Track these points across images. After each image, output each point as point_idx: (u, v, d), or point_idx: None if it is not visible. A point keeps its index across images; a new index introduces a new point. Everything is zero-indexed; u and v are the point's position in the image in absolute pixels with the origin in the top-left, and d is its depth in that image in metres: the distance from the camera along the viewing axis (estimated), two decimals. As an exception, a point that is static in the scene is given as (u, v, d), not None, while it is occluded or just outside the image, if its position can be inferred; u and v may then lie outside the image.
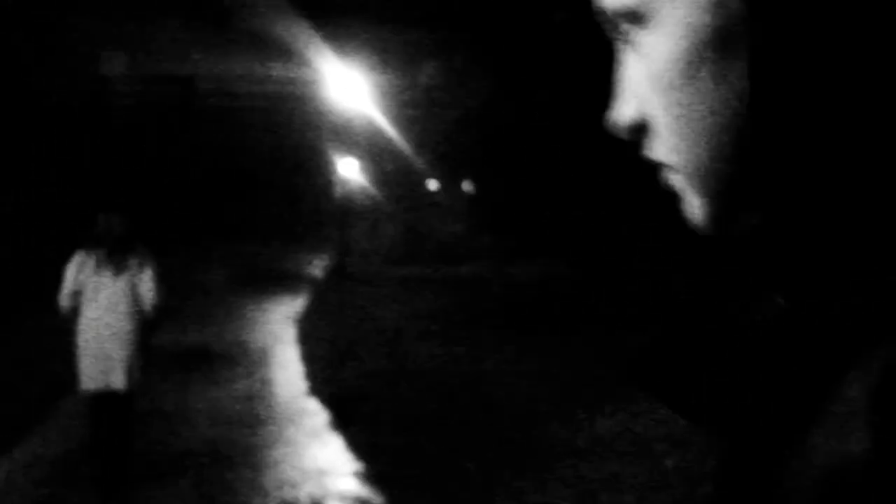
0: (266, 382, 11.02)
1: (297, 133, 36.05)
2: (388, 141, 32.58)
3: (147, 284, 6.71)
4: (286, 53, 31.23)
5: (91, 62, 28.97)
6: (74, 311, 6.65)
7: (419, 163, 34.40)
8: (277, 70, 32.43)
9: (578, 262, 22.46)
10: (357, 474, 7.12)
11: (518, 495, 6.36)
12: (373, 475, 7.06)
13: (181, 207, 25.87)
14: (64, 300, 6.62)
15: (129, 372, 6.61)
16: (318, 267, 29.71)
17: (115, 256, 6.68)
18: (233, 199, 35.85)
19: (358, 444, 7.95)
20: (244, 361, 12.39)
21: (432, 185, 38.09)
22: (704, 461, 7.00)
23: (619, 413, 8.72)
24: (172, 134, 30.12)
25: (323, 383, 10.72)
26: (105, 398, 6.60)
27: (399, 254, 32.58)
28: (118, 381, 6.55)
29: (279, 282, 24.29)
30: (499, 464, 7.17)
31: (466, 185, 38.11)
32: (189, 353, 8.74)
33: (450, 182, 37.71)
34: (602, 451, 7.50)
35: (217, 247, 30.77)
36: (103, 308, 6.58)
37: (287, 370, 11.80)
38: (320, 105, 32.34)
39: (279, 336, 14.85)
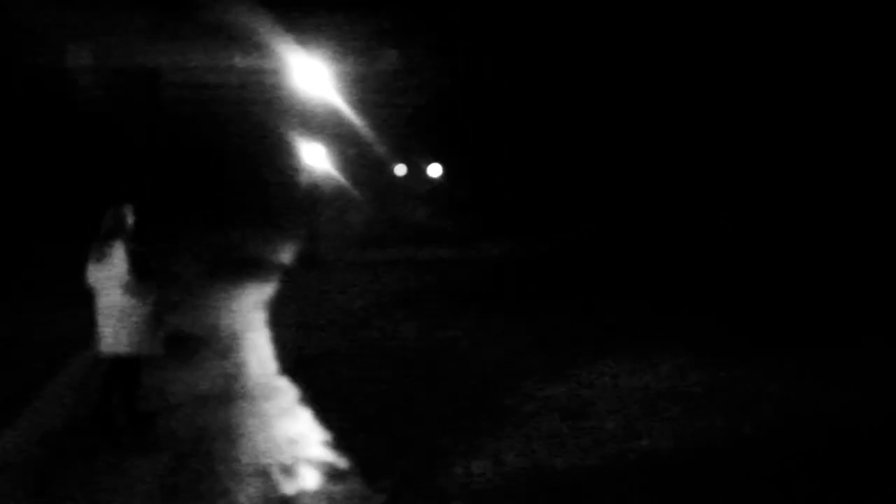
0: (239, 364, 11.61)
1: (264, 122, 36.38)
2: (353, 128, 32.99)
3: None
4: (250, 43, 31.51)
5: (57, 54, 29.11)
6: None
7: (384, 148, 34.89)
8: (241, 60, 32.70)
9: (539, 241, 23.07)
10: (325, 443, 7.76)
11: (468, 455, 7.02)
12: (340, 443, 7.71)
13: (150, 197, 26.25)
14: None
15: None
16: (287, 253, 30.19)
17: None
18: (202, 188, 36.16)
19: (327, 416, 8.58)
20: (218, 345, 12.99)
21: (398, 169, 38.61)
22: (642, 423, 7.74)
23: (569, 380, 9.42)
24: (139, 125, 30.39)
25: (293, 363, 11.35)
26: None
27: (366, 238, 33.13)
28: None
29: (249, 269, 24.79)
30: (455, 428, 7.84)
31: (432, 169, 38.68)
32: (165, 338, 9.29)
33: (415, 166, 38.28)
34: (548, 412, 8.19)
35: (187, 235, 31.16)
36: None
37: (259, 352, 12.40)
38: (285, 94, 32.65)
39: (250, 321, 15.42)
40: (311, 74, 27.98)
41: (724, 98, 15.43)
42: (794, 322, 11.74)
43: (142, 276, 7.99)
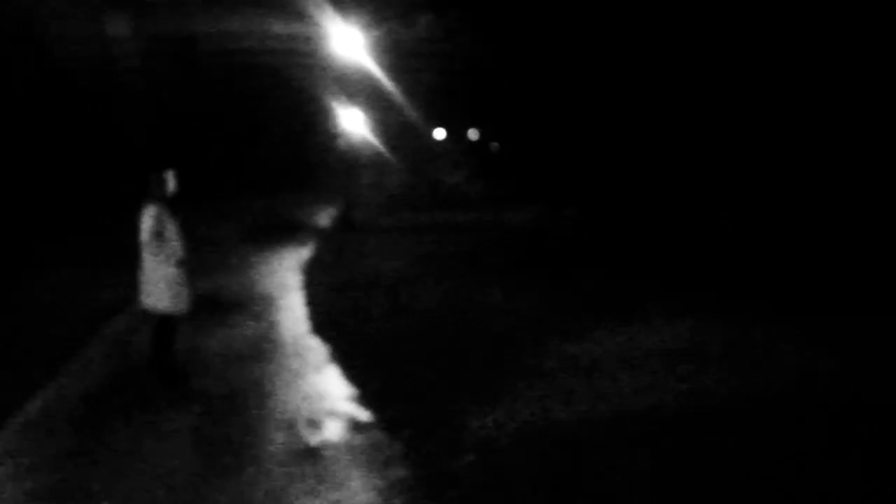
0: (272, 324, 12.02)
1: (302, 88, 36.68)
2: (391, 93, 33.19)
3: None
4: (287, 10, 31.77)
5: (95, 23, 29.53)
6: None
7: (421, 113, 35.04)
8: (279, 27, 32.97)
9: (567, 209, 23.22)
10: (350, 397, 8.14)
11: (484, 410, 7.35)
12: (363, 397, 8.08)
13: (189, 164, 26.76)
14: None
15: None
16: (324, 217, 30.60)
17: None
18: (240, 154, 36.60)
19: (354, 374, 8.96)
20: (252, 306, 13.42)
21: (436, 134, 38.78)
22: (653, 379, 8.02)
23: (586, 340, 9.71)
24: (179, 93, 30.82)
25: (325, 324, 11.74)
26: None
27: (402, 203, 33.43)
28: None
29: (287, 233, 25.23)
30: (473, 384, 8.17)
31: (471, 134, 38.82)
32: (201, 300, 9.72)
33: (454, 131, 38.41)
34: (564, 370, 8.49)
35: (226, 200, 31.75)
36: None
37: (291, 312, 12.80)
38: (323, 60, 32.93)
39: (285, 283, 15.83)
40: (347, 41, 28.23)
41: (725, 98, 15.45)
42: (808, 293, 11.86)
43: (169, 238, 8.44)
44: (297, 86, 36.31)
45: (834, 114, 13.66)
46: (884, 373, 7.92)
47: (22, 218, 20.35)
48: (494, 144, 36.17)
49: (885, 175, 12.92)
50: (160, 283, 8.51)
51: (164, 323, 8.68)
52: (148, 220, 8.46)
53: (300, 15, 30.51)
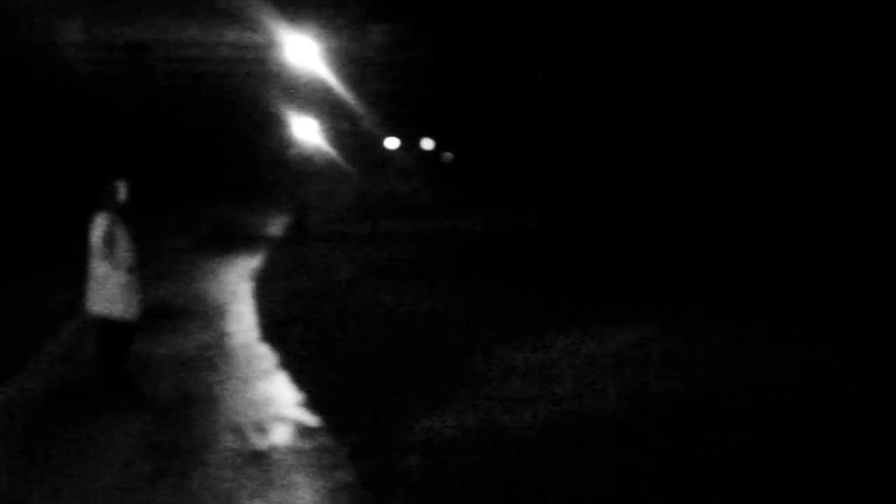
0: (223, 333, 12.08)
1: (255, 97, 36.66)
2: (344, 102, 33.29)
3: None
4: (240, 18, 31.78)
5: (47, 29, 29.25)
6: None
7: (375, 122, 35.17)
8: (232, 35, 32.97)
9: (526, 216, 23.43)
10: (298, 403, 8.25)
11: (431, 413, 7.51)
12: (311, 403, 8.19)
13: (141, 172, 26.64)
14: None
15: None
16: (276, 226, 30.60)
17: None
18: (193, 163, 36.45)
19: (303, 380, 9.07)
20: (203, 315, 13.46)
21: (389, 143, 38.91)
22: (599, 384, 8.21)
23: (536, 346, 9.90)
24: (130, 100, 30.65)
25: (275, 331, 11.83)
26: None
27: (355, 211, 33.53)
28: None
29: (238, 241, 25.22)
30: (422, 389, 8.32)
31: (425, 143, 39.01)
32: (152, 308, 9.78)
33: (407, 140, 38.60)
34: (512, 375, 8.67)
35: (177, 208, 31.61)
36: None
37: (242, 322, 12.86)
38: (276, 69, 32.99)
39: (236, 291, 15.88)
40: (301, 50, 28.28)
41: (724, 98, 15.73)
42: (792, 292, 12.12)
43: (122, 246, 8.53)
44: (250, 94, 36.28)
45: (834, 114, 13.94)
46: (837, 371, 8.17)
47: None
48: (447, 154, 36.41)
49: (885, 174, 13.18)
50: (112, 291, 8.57)
51: (114, 330, 8.72)
52: (100, 228, 8.55)
53: (253, 24, 30.54)
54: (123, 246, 8.62)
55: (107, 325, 8.74)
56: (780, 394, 7.58)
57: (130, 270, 8.69)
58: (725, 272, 13.75)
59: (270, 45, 31.23)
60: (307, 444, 7.02)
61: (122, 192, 8.71)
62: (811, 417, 6.90)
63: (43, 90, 25.31)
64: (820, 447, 6.27)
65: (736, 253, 14.43)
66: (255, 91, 36.24)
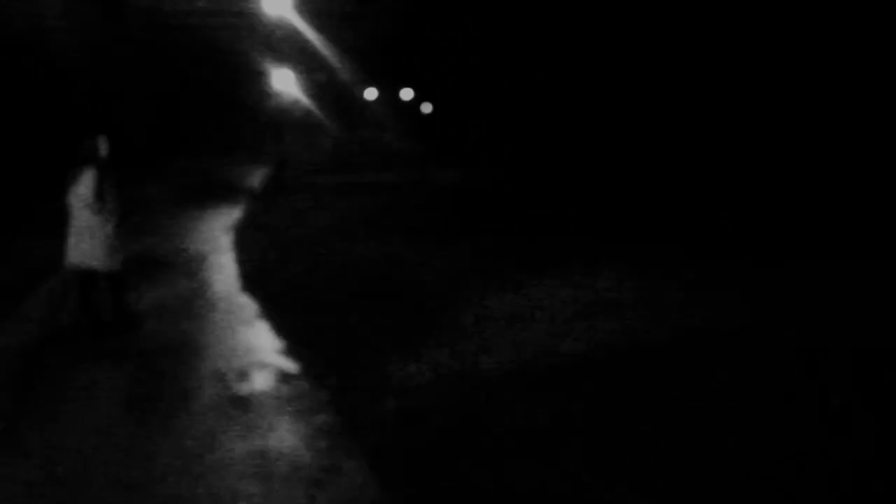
0: (204, 283, 12.27)
1: (231, 49, 36.48)
2: (322, 53, 33.21)
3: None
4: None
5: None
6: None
7: (354, 74, 35.09)
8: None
9: (497, 171, 23.54)
10: (278, 350, 8.50)
11: (406, 359, 7.76)
12: (291, 350, 8.44)
13: (119, 126, 26.57)
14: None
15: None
16: (255, 178, 30.66)
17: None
18: (170, 116, 36.33)
19: (282, 327, 9.31)
20: (184, 265, 13.63)
21: (368, 94, 38.85)
22: (568, 328, 8.47)
23: (507, 294, 10.15)
24: (106, 53, 30.48)
25: (254, 280, 12.04)
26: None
27: (333, 162, 33.60)
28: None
29: (218, 194, 25.31)
30: (397, 336, 8.57)
31: (403, 94, 38.94)
32: (134, 260, 9.95)
33: (386, 92, 38.54)
34: (484, 321, 8.93)
35: (157, 162, 31.58)
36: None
37: (223, 272, 13.05)
38: (252, 19, 32.82)
39: (218, 244, 16.03)
40: (278, 1, 28.13)
41: (724, 98, 15.81)
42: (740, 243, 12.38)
43: (108, 199, 8.79)
44: (226, 46, 36.11)
45: (834, 114, 14.06)
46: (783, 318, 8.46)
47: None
48: (426, 104, 36.38)
49: (884, 173, 13.33)
50: (96, 243, 8.88)
51: (99, 280, 9.02)
52: (87, 183, 8.84)
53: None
54: (108, 200, 8.89)
55: (88, 276, 8.99)
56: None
57: (114, 223, 8.95)
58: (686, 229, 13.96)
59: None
60: (287, 390, 7.26)
61: (102, 148, 8.96)
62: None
63: (14, 45, 25.10)
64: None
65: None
66: (233, 44, 36.08)
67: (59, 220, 9.30)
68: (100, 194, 8.84)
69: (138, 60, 32.48)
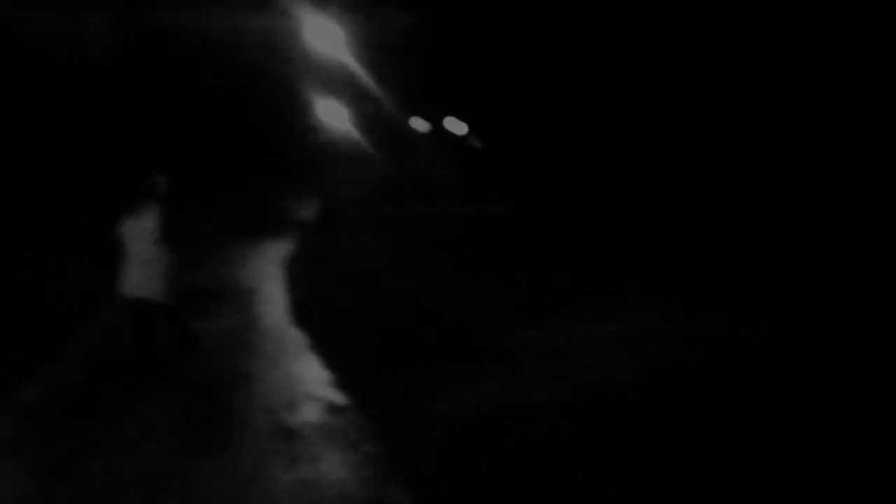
0: (255, 315, 12.53)
1: (280, 82, 36.95)
2: (369, 85, 33.53)
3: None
4: (262, 2, 32.01)
5: (71, 18, 29.41)
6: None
7: (401, 105, 35.39)
8: (254, 20, 33.20)
9: (545, 203, 23.56)
10: (326, 381, 8.67)
11: (453, 389, 7.89)
12: (340, 381, 8.61)
13: (168, 159, 27.00)
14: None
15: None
16: (305, 210, 31.04)
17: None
18: (221, 149, 36.81)
19: (331, 359, 9.50)
20: (236, 298, 13.92)
21: (417, 125, 39.16)
22: (611, 362, 8.56)
23: (551, 327, 10.26)
24: (154, 87, 31.01)
25: (304, 313, 12.26)
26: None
27: (382, 195, 33.89)
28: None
29: (268, 226, 25.70)
30: (444, 367, 8.71)
31: (450, 125, 39.20)
32: (186, 292, 10.18)
33: (434, 123, 38.82)
34: (528, 353, 9.04)
35: (208, 194, 32.06)
36: None
37: (273, 304, 13.31)
38: (300, 53, 33.23)
39: (267, 276, 16.32)
40: (325, 33, 28.52)
41: (724, 97, 15.84)
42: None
43: (168, 232, 9.12)
44: (275, 79, 36.58)
45: (833, 113, 14.04)
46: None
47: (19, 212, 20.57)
48: (474, 137, 36.58)
49: (886, 175, 13.27)
50: (154, 274, 9.14)
51: (151, 310, 9.28)
52: (152, 217, 9.11)
53: (276, 7, 30.75)
54: (168, 232, 9.15)
55: (142, 307, 9.23)
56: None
57: (172, 255, 9.21)
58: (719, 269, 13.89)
59: (294, 29, 31.49)
60: (334, 421, 7.42)
61: (162, 184, 9.26)
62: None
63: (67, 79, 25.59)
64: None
65: (732, 251, 14.53)
66: (280, 76, 36.54)
67: (101, 243, 9.58)
68: (162, 228, 9.12)
69: (185, 94, 32.98)
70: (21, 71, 23.05)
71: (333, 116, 35.35)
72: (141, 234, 9.13)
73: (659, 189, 17.53)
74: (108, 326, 11.61)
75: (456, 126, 38.37)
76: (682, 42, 16.27)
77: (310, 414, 7.68)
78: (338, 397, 8.10)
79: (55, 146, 23.04)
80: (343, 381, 8.64)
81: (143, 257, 9.15)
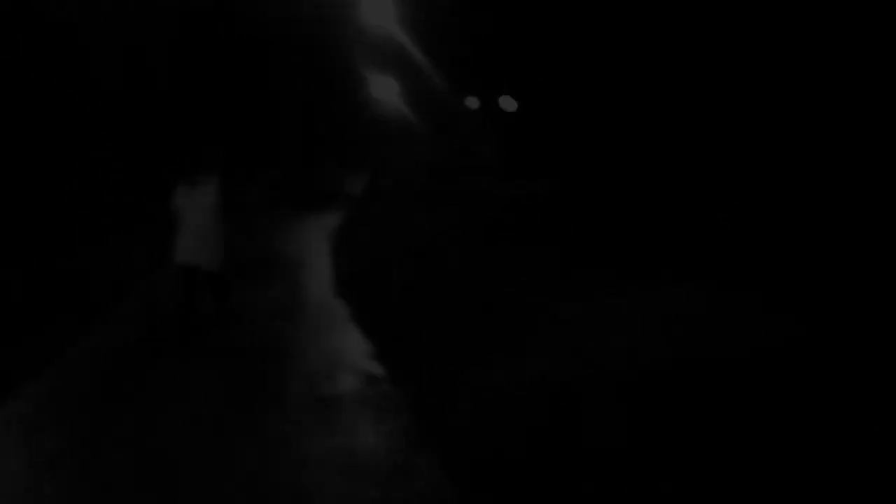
0: (299, 287, 12.73)
1: (334, 58, 37.12)
2: (422, 60, 33.58)
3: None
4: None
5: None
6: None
7: (454, 82, 35.38)
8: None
9: (588, 181, 23.43)
10: (366, 354, 8.82)
11: (487, 364, 7.98)
12: (378, 353, 8.75)
13: (221, 133, 27.30)
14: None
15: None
16: (353, 186, 31.25)
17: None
18: (274, 123, 37.14)
19: (370, 330, 9.66)
20: (282, 270, 14.14)
21: (469, 102, 39.13)
22: (648, 341, 8.57)
23: (587, 303, 10.28)
24: (209, 62, 31.27)
25: (348, 286, 12.43)
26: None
27: (430, 171, 33.97)
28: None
29: (317, 200, 25.93)
30: (479, 342, 8.80)
31: (504, 102, 39.10)
32: (235, 263, 10.41)
33: (486, 101, 38.75)
34: (563, 329, 9.07)
35: (260, 169, 32.44)
36: None
37: (318, 277, 13.50)
38: (353, 29, 33.40)
39: (314, 249, 16.53)
40: (378, 8, 28.63)
41: (724, 97, 15.68)
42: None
43: (223, 203, 9.43)
44: (329, 55, 36.76)
45: (834, 113, 13.90)
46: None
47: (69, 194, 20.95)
48: (526, 114, 36.44)
49: (886, 175, 13.12)
50: (209, 245, 9.41)
51: (203, 279, 9.58)
52: (211, 189, 9.39)
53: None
54: (225, 204, 9.47)
55: (193, 275, 9.50)
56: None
57: (225, 226, 9.53)
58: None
59: (348, 4, 31.65)
60: (372, 392, 7.56)
61: (222, 155, 9.53)
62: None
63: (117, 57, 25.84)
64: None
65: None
66: (335, 51, 36.71)
67: (143, 221, 9.82)
68: (223, 199, 9.41)
69: (239, 68, 33.22)
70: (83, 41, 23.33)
71: (386, 92, 35.48)
72: (197, 204, 9.38)
73: (661, 188, 17.38)
74: (149, 298, 11.87)
75: (509, 104, 38.27)
76: (682, 42, 16.15)
77: (348, 384, 7.83)
78: (377, 369, 8.24)
79: (104, 125, 23.37)
80: (381, 353, 8.77)
81: (197, 227, 9.41)
